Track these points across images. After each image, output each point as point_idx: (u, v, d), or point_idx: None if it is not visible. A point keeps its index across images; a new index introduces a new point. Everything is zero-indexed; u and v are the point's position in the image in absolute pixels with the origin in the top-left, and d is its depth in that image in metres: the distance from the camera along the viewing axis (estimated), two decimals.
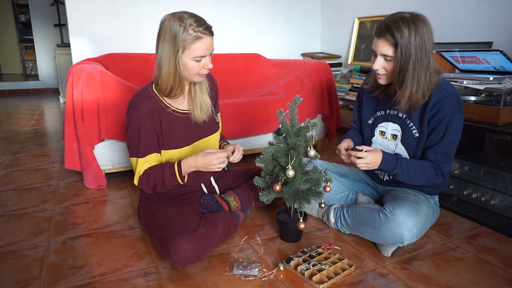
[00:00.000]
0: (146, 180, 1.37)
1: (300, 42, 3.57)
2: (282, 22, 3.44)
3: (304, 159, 1.39)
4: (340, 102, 3.01)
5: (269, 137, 2.32)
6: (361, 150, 1.35)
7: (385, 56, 1.31)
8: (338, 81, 3.15)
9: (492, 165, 1.70)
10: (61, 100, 5.41)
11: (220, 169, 1.33)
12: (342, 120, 3.02)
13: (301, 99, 1.32)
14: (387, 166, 1.37)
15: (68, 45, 5.12)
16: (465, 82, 1.69)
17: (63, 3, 5.40)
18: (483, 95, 1.70)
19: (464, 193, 1.77)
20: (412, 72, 1.28)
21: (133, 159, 1.39)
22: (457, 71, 2.00)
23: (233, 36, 3.23)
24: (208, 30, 1.29)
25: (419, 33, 1.25)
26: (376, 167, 1.36)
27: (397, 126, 1.47)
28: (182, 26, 1.25)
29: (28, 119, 4.06)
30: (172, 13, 1.30)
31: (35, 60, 6.92)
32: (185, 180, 1.38)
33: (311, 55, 3.42)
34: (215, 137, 1.56)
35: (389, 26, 1.27)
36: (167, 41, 1.27)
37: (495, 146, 1.95)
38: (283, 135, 1.36)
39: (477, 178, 1.73)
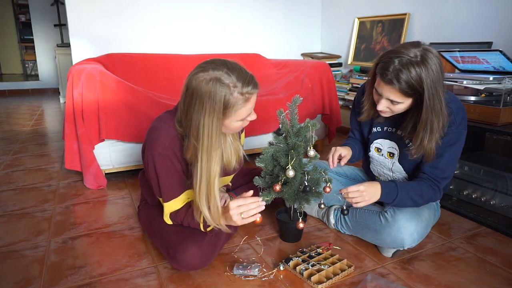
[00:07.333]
0: (174, 217, 1.28)
1: (300, 42, 3.56)
2: (282, 22, 3.44)
3: (304, 159, 1.39)
4: (340, 102, 3.02)
5: (269, 137, 2.31)
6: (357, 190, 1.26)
7: (391, 101, 1.21)
8: (338, 81, 3.15)
9: (492, 165, 1.70)
10: (61, 100, 5.41)
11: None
12: (342, 120, 3.01)
13: (301, 99, 1.32)
14: (388, 197, 1.29)
15: (68, 45, 5.12)
16: (465, 82, 1.69)
17: (63, 3, 5.40)
18: (483, 95, 1.70)
19: (464, 193, 1.77)
20: (425, 122, 1.17)
21: (174, 201, 1.24)
22: (457, 71, 2.00)
23: (233, 36, 3.23)
24: (256, 86, 1.13)
25: (430, 76, 1.10)
26: (376, 199, 1.29)
27: (393, 144, 1.41)
28: (226, 91, 1.07)
29: (28, 119, 4.06)
30: (202, 72, 1.09)
31: (35, 60, 6.92)
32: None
33: (311, 55, 3.42)
34: (231, 177, 1.50)
35: (398, 75, 1.12)
36: (207, 109, 1.08)
37: (495, 146, 1.95)
38: (283, 135, 1.36)
39: (477, 178, 1.73)
